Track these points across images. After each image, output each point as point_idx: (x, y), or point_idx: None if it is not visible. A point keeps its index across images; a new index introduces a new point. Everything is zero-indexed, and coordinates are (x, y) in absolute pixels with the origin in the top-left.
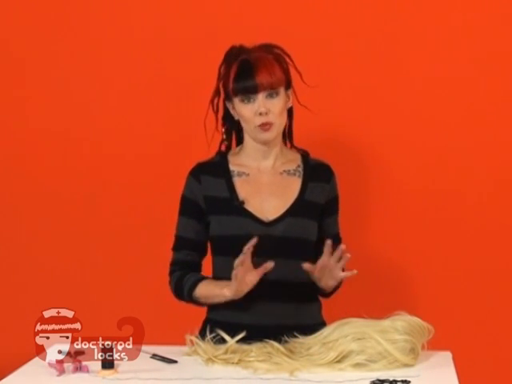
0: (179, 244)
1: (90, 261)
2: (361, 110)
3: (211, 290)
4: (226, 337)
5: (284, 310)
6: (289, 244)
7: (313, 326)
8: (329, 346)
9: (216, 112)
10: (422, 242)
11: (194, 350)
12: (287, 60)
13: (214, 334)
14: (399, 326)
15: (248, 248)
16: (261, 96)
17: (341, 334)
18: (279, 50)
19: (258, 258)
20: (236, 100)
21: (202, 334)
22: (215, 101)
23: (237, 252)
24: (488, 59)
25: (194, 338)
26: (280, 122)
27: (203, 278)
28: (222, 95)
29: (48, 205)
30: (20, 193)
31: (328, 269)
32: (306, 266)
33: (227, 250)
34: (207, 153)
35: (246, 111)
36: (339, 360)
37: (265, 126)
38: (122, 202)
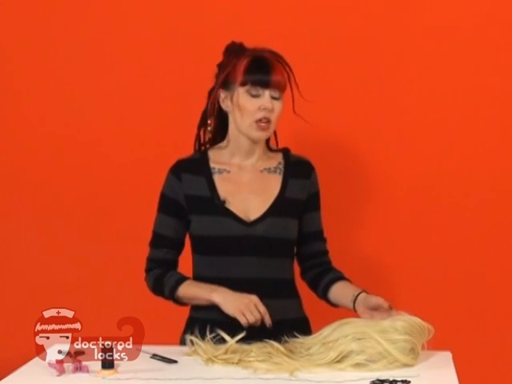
0: (157, 241)
1: (90, 261)
2: (359, 111)
3: (197, 292)
4: (226, 337)
5: (267, 306)
6: (270, 243)
7: (295, 319)
8: (329, 346)
9: (213, 107)
10: (422, 242)
11: (194, 350)
12: (287, 70)
13: (213, 335)
14: (399, 326)
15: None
16: (268, 93)
17: (341, 333)
18: (281, 59)
19: (240, 257)
20: (241, 90)
21: (186, 332)
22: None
23: (218, 251)
24: (488, 63)
25: (194, 338)
26: (275, 124)
27: (185, 278)
28: (219, 86)
29: (48, 205)
30: (20, 193)
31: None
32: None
33: (209, 250)
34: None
35: (250, 104)
36: (339, 360)
37: (263, 124)
38: (122, 203)
